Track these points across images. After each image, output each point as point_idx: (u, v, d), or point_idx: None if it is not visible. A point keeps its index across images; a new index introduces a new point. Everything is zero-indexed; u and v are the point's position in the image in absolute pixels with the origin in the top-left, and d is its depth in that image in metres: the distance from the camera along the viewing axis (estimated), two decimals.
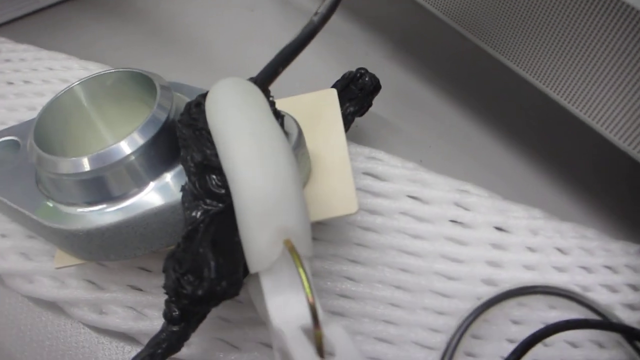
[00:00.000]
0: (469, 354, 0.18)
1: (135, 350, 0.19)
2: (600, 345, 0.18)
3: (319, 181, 0.18)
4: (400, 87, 0.28)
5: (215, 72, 0.29)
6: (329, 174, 0.18)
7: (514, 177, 0.24)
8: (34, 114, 0.18)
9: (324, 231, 0.20)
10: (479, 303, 0.19)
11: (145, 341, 0.15)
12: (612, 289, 0.19)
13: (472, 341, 0.18)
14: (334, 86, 0.23)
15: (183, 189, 0.15)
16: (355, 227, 0.21)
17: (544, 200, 0.23)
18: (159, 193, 0.17)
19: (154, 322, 0.19)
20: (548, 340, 0.17)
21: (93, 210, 0.17)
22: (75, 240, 0.17)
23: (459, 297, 0.19)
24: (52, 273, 0.20)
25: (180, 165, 0.17)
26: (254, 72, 0.17)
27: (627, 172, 0.23)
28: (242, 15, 0.33)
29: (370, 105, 0.24)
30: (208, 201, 0.14)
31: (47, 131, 0.18)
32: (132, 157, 0.17)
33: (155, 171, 0.17)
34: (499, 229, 0.21)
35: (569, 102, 0.19)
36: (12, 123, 0.25)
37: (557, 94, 0.20)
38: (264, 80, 0.17)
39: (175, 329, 0.15)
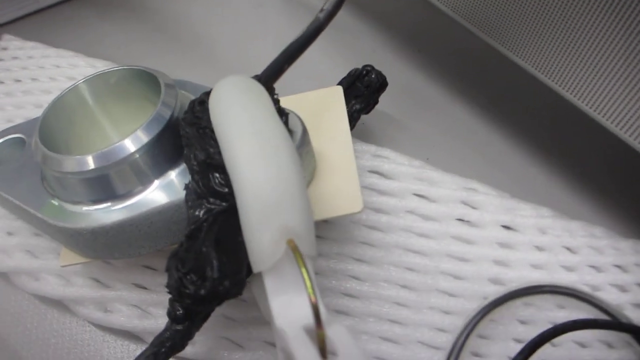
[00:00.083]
0: (475, 354, 0.18)
1: (140, 348, 0.19)
2: (610, 346, 0.18)
3: (324, 179, 0.18)
4: (407, 84, 0.28)
5: (220, 70, 0.29)
6: (333, 172, 0.18)
7: (522, 175, 0.24)
8: (40, 112, 0.18)
9: (328, 229, 0.20)
10: (485, 302, 0.18)
11: (150, 339, 0.15)
12: (622, 289, 0.19)
13: (478, 341, 0.18)
14: (339, 83, 0.23)
15: (187, 187, 0.15)
16: (360, 226, 0.20)
17: (553, 198, 0.23)
18: (163, 191, 0.17)
19: (158, 320, 0.19)
20: (556, 340, 0.17)
21: (98, 209, 0.17)
22: (80, 239, 0.17)
23: (466, 296, 0.19)
24: (57, 271, 0.20)
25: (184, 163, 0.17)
26: (259, 70, 0.17)
27: (637, 169, 0.23)
28: (248, 12, 0.33)
29: (376, 102, 0.24)
30: (211, 200, 0.14)
31: (51, 129, 0.18)
32: (137, 155, 0.17)
33: (160, 169, 0.17)
34: (506, 227, 0.20)
35: (578, 99, 0.19)
36: (19, 120, 0.25)
37: (567, 91, 0.19)
38: (269, 78, 0.17)
39: (179, 327, 0.15)
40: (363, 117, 0.24)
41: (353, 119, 0.23)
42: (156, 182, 0.17)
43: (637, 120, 0.17)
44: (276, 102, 0.16)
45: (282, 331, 0.13)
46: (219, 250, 0.14)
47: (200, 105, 0.16)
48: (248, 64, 0.21)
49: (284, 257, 0.13)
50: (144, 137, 0.17)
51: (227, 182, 0.14)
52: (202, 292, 0.13)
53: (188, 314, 0.14)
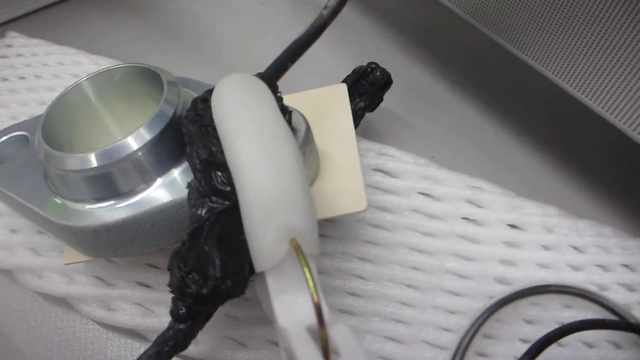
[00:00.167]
0: (480, 354, 0.18)
1: (144, 346, 0.19)
2: (617, 346, 0.18)
3: (328, 178, 0.18)
4: (411, 81, 0.27)
5: (223, 67, 0.29)
6: (337, 170, 0.18)
7: (528, 174, 0.24)
8: (44, 109, 0.18)
9: (333, 228, 0.20)
10: (491, 302, 0.18)
11: (153, 338, 0.15)
12: (630, 288, 0.19)
13: (484, 341, 0.18)
14: (344, 81, 0.23)
15: (189, 185, 0.15)
16: (364, 224, 0.20)
17: (560, 197, 0.22)
18: (166, 189, 0.17)
19: (161, 319, 0.19)
20: (563, 340, 0.17)
21: (100, 207, 0.17)
22: (83, 237, 0.17)
23: (471, 295, 0.19)
24: (61, 269, 0.20)
25: None
26: (263, 67, 0.17)
27: None
28: (251, 9, 0.33)
29: (381, 100, 0.24)
30: (214, 199, 0.14)
31: (54, 127, 0.18)
32: (139, 153, 0.16)
33: (163, 167, 0.17)
34: (512, 226, 0.20)
35: (585, 96, 0.19)
36: (23, 117, 0.25)
37: (574, 88, 0.19)
38: (272, 76, 0.17)
39: (181, 326, 0.15)
40: (367, 115, 0.24)
41: (357, 117, 0.22)
42: (159, 180, 0.17)
43: None
44: (279, 100, 0.16)
45: (285, 331, 0.12)
46: (221, 249, 0.13)
47: (203, 103, 0.16)
48: (251, 62, 0.21)
49: (286, 256, 0.13)
50: (146, 135, 0.17)
51: (230, 181, 0.14)
52: (205, 291, 0.13)
53: (190, 313, 0.14)
